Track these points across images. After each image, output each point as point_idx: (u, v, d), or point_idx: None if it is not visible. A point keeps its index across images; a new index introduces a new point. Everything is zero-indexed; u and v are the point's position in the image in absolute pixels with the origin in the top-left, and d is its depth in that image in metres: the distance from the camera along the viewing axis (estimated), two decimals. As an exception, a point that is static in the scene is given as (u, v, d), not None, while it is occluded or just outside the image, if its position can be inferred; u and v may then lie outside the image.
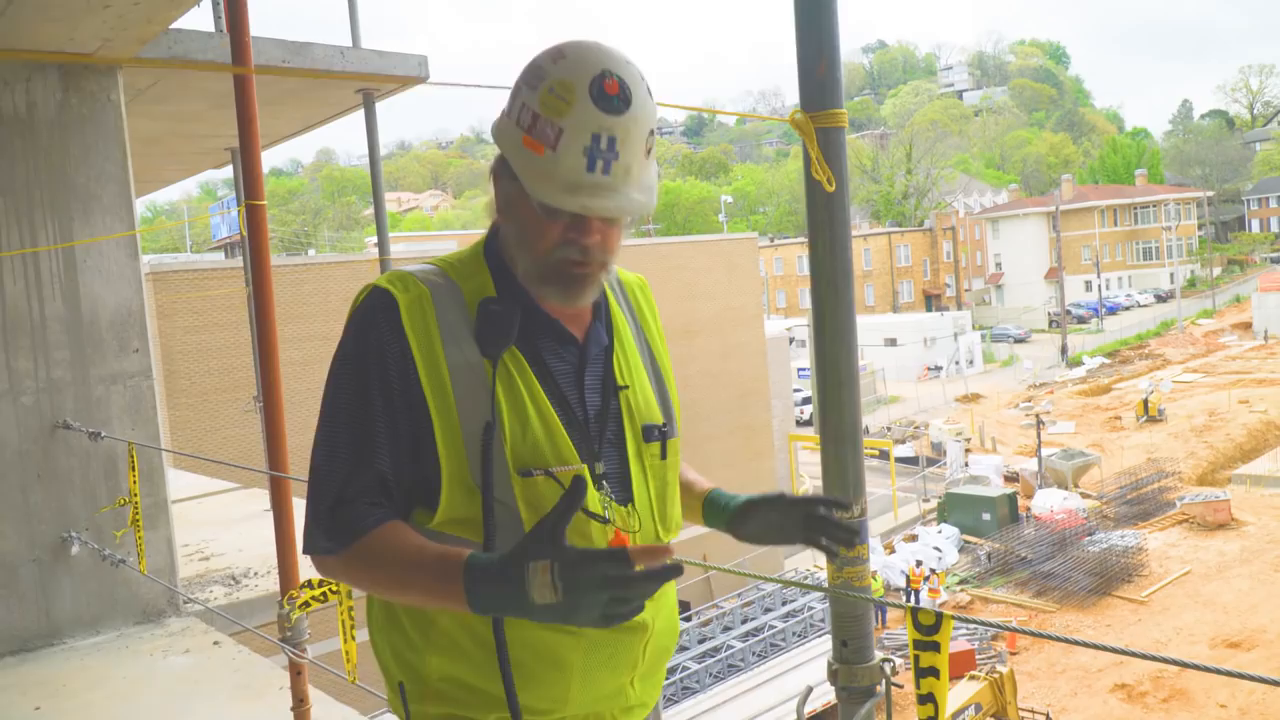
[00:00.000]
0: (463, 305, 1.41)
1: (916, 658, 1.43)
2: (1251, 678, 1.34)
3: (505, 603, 1.20)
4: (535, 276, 1.42)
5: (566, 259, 1.39)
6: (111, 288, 5.12)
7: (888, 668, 1.79)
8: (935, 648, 1.42)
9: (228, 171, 10.65)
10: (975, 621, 1.78)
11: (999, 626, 1.71)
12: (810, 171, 1.83)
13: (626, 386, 1.51)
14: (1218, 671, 1.40)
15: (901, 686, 1.77)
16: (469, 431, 1.35)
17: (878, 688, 1.79)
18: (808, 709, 1.93)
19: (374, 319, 1.39)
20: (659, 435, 1.53)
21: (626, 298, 1.63)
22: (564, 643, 1.38)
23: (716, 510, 1.70)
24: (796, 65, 1.88)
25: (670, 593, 1.54)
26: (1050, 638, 1.55)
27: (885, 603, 1.54)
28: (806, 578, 22.47)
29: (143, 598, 5.03)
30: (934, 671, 1.42)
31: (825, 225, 1.85)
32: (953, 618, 1.42)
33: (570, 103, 1.33)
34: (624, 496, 1.46)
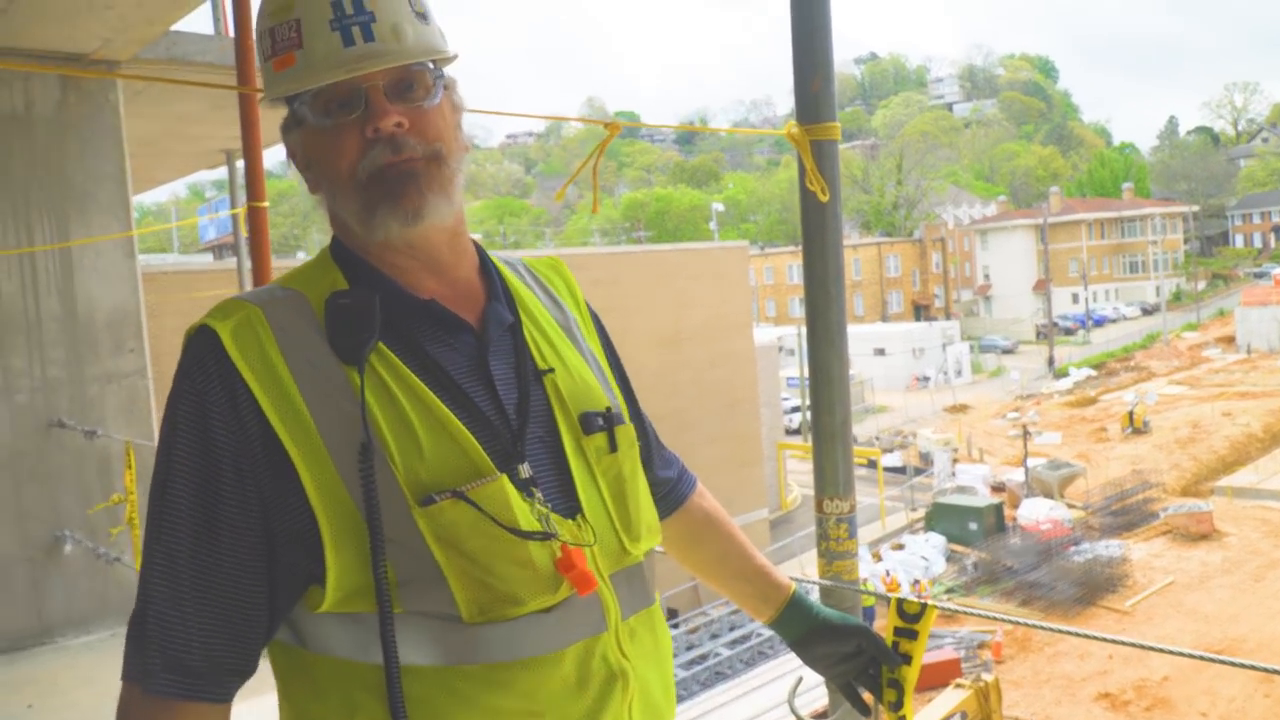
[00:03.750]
0: (310, 313, 1.13)
1: (895, 644, 1.49)
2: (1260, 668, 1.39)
3: None
4: (360, 209, 1.16)
5: (378, 165, 1.14)
6: (108, 287, 5.16)
7: (875, 659, 1.86)
8: (914, 636, 1.48)
9: (216, 173, 10.69)
10: (1006, 619, 1.84)
11: (1020, 623, 1.78)
12: (805, 182, 1.91)
13: (551, 370, 1.23)
14: (1237, 664, 1.45)
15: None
16: (344, 465, 1.06)
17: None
18: (805, 713, 2.00)
19: (191, 371, 1.10)
20: (603, 424, 1.23)
21: (536, 278, 1.37)
22: None
23: (797, 616, 1.49)
24: (793, 80, 1.96)
25: (658, 634, 1.28)
26: (1074, 633, 1.62)
27: (868, 591, 1.58)
28: (798, 582, 22.57)
29: (135, 597, 5.06)
30: (907, 659, 1.48)
31: (819, 234, 1.92)
32: (936, 607, 1.49)
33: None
34: (568, 505, 1.16)
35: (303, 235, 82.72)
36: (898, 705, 1.48)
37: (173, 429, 1.09)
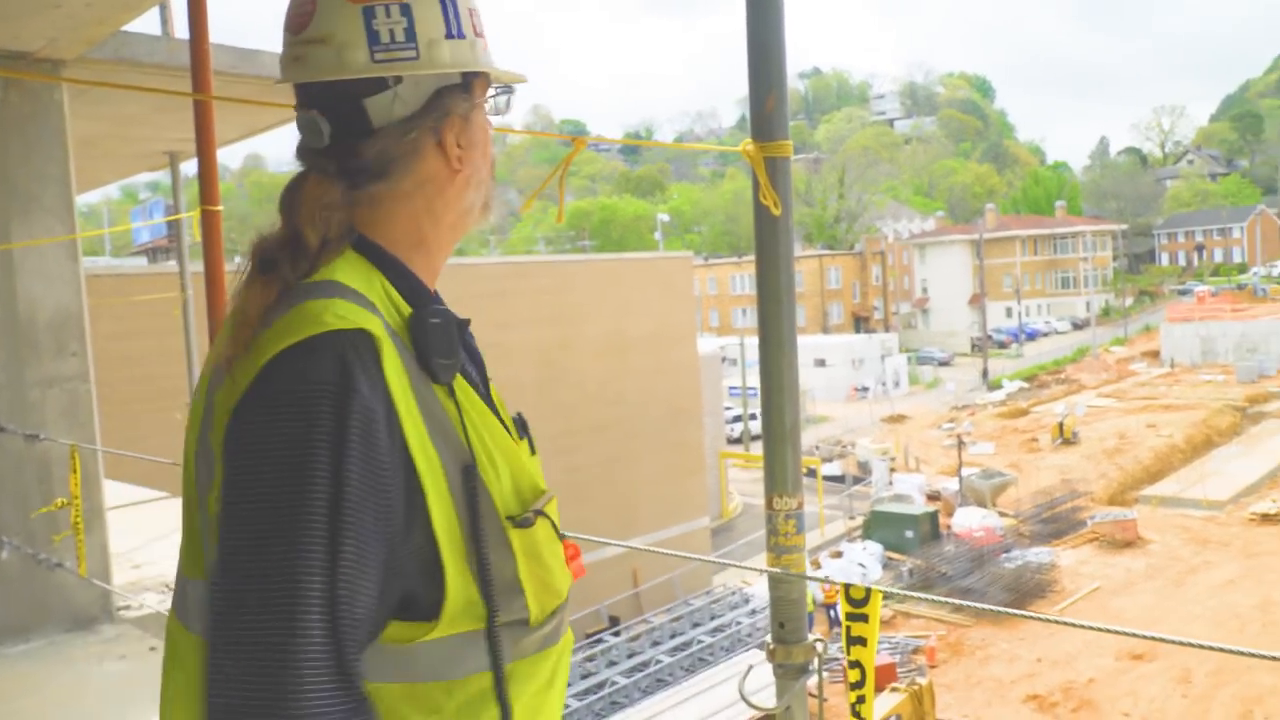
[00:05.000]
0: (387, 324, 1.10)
1: (848, 628, 1.60)
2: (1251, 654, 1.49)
3: None
4: (489, 196, 1.24)
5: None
6: (50, 289, 5.09)
7: (820, 646, 1.97)
8: (864, 619, 1.60)
9: (151, 174, 10.52)
10: (977, 606, 1.95)
11: (999, 611, 1.89)
12: (758, 197, 2.01)
13: (491, 379, 1.25)
14: (1223, 650, 1.54)
15: (826, 699, 1.90)
16: (454, 487, 1.05)
17: (810, 664, 1.97)
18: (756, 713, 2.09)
19: (352, 377, 1.00)
20: (525, 427, 1.26)
21: None
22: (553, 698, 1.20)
23: None
24: (749, 98, 2.07)
25: None
26: (1048, 620, 1.72)
27: (814, 577, 1.67)
28: (737, 592, 22.75)
29: (75, 605, 4.99)
30: (862, 641, 1.59)
31: (771, 246, 2.04)
32: (883, 592, 1.60)
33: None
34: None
35: (239, 240, 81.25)
36: (860, 684, 1.60)
37: (331, 443, 0.97)
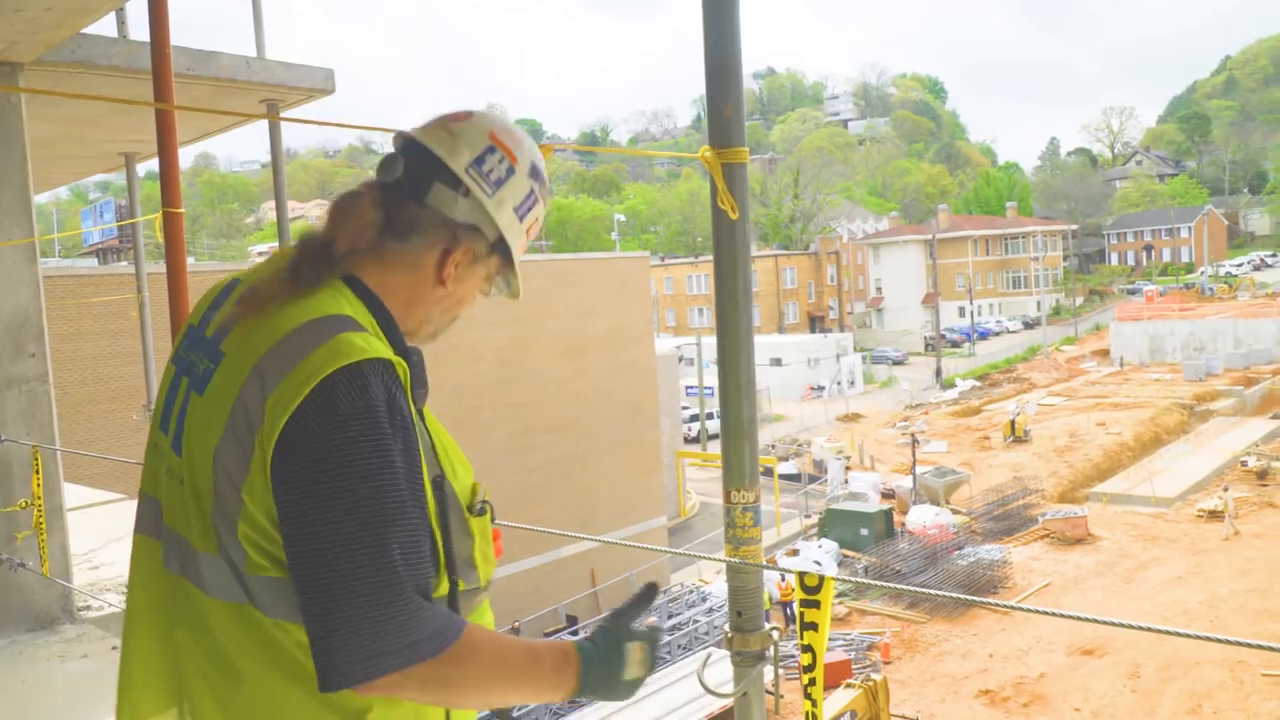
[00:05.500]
0: None
1: (801, 614, 1.70)
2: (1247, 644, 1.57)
3: (606, 682, 1.34)
4: (438, 329, 1.54)
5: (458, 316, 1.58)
6: (8, 291, 5.06)
7: (775, 634, 2.07)
8: (817, 605, 1.70)
9: (102, 175, 10.40)
10: (995, 603, 2.04)
11: (991, 604, 2.00)
12: (716, 201, 2.11)
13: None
14: (1221, 640, 1.63)
15: (783, 696, 1.99)
16: (432, 489, 1.33)
17: (767, 652, 2.07)
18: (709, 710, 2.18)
19: (393, 390, 1.27)
20: None
21: None
22: None
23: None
24: (706, 107, 2.17)
25: None
26: (1037, 611, 1.82)
27: (771, 567, 1.76)
28: (695, 590, 22.88)
29: (36, 605, 4.97)
30: (814, 626, 1.69)
31: (729, 249, 2.13)
32: (834, 579, 1.71)
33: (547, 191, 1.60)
34: None
35: (191, 240, 80.00)
36: (812, 667, 1.70)
37: (390, 441, 1.24)
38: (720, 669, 2.15)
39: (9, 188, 5.02)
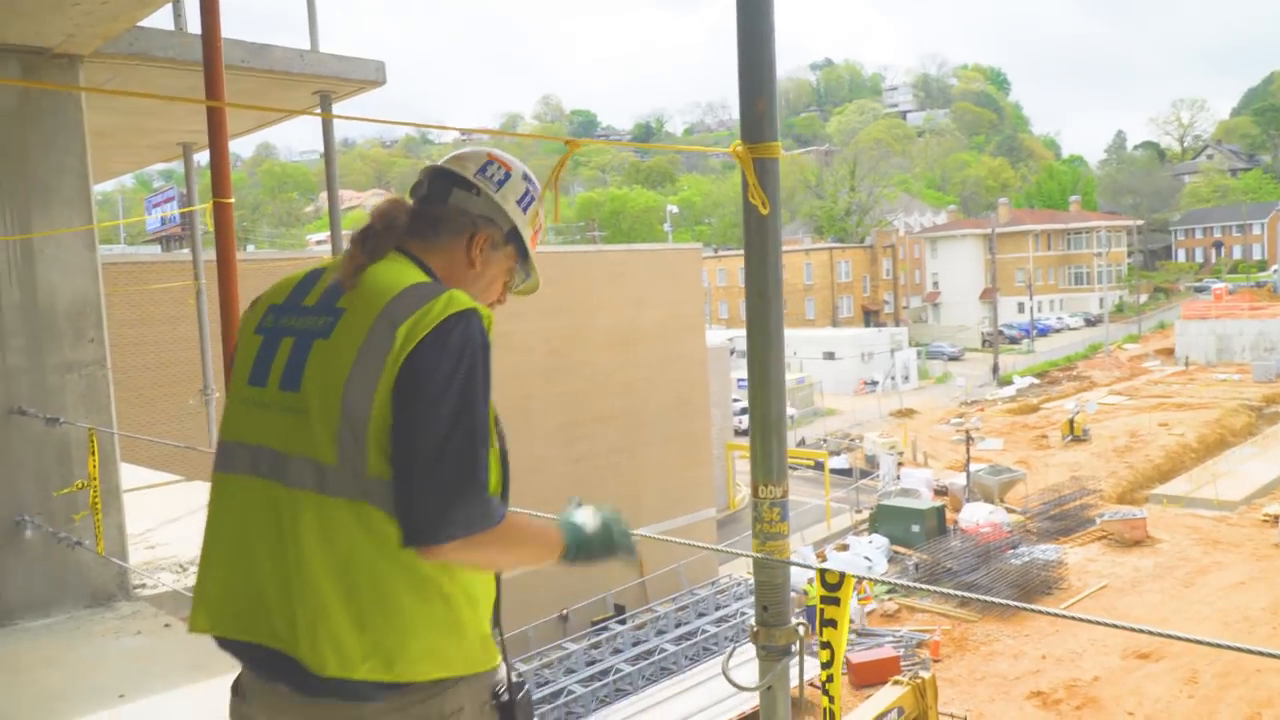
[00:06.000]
0: None
1: (821, 610, 1.69)
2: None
3: (602, 549, 1.83)
4: (491, 302, 1.95)
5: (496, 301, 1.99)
6: (68, 278, 5.21)
7: (802, 630, 2.06)
8: (837, 603, 1.69)
9: (166, 164, 10.65)
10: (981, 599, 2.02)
11: (990, 602, 1.98)
12: (748, 196, 2.10)
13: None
14: (1230, 647, 1.57)
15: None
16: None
17: (792, 647, 2.06)
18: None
19: (485, 335, 1.68)
20: None
21: None
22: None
23: None
24: (739, 101, 2.15)
25: None
26: (1050, 614, 1.81)
27: (797, 564, 1.78)
28: (742, 582, 22.85)
29: (93, 582, 5.13)
30: (833, 623, 1.69)
31: (759, 243, 2.12)
32: (855, 577, 1.70)
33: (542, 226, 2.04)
34: None
35: (252, 228, 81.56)
36: (830, 664, 1.69)
37: (482, 351, 1.65)
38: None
39: (68, 177, 5.17)
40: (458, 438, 1.58)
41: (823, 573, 1.71)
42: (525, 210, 1.94)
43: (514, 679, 1.77)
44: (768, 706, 2.11)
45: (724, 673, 2.10)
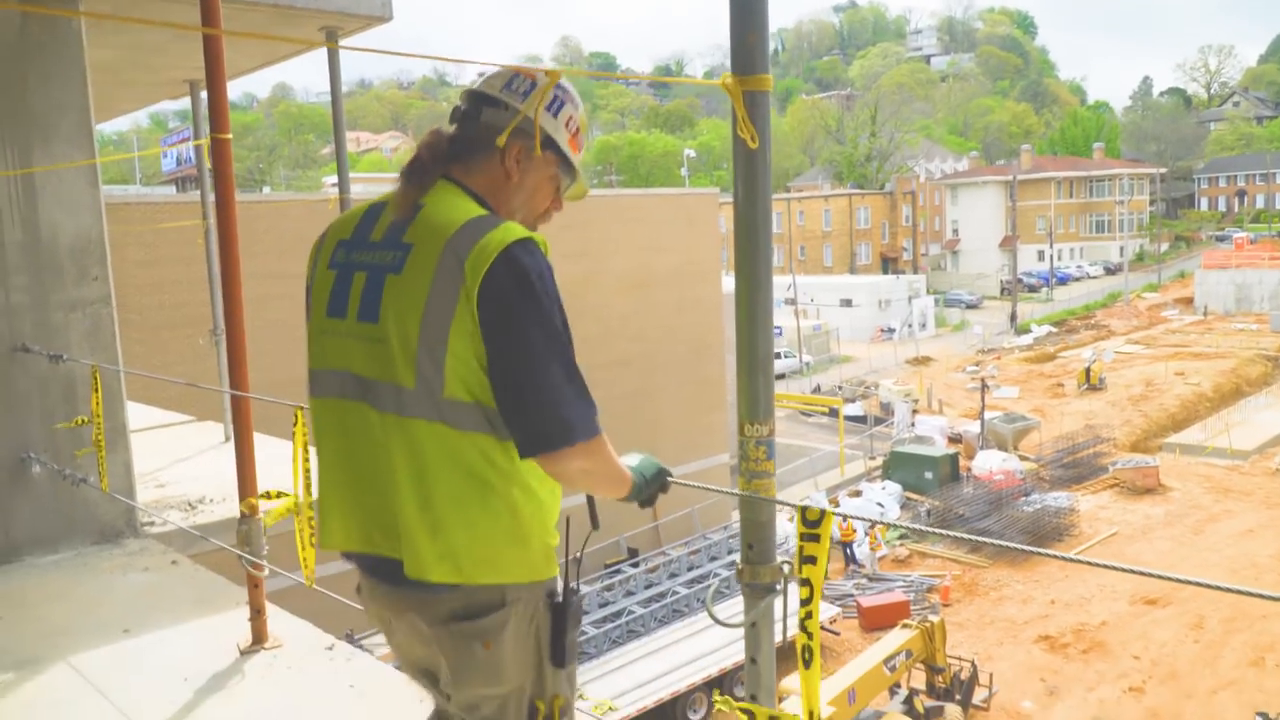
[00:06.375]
0: None
1: (801, 547, 1.68)
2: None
3: (654, 485, 2.13)
4: (525, 221, 1.96)
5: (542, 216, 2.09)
6: (71, 215, 5.19)
7: (786, 568, 2.05)
8: (816, 540, 1.67)
9: (179, 103, 10.56)
10: (1041, 552, 2.00)
11: (1030, 550, 1.96)
12: (736, 130, 2.05)
13: None
14: (1236, 591, 1.54)
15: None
16: None
17: (776, 585, 2.05)
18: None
19: (545, 258, 1.81)
20: None
21: None
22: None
23: None
24: (730, 32, 2.09)
25: None
26: (1086, 563, 1.76)
27: (780, 502, 1.78)
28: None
29: (100, 519, 5.19)
30: (813, 560, 1.67)
31: (749, 180, 2.07)
32: (834, 514, 1.68)
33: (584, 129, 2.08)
34: None
35: (268, 170, 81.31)
36: (809, 600, 1.68)
37: (554, 289, 1.79)
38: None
39: (69, 113, 5.13)
40: (556, 353, 1.74)
41: (803, 509, 1.69)
42: (557, 114, 1.98)
43: (571, 586, 1.93)
44: (752, 643, 2.11)
45: (706, 608, 2.09)
